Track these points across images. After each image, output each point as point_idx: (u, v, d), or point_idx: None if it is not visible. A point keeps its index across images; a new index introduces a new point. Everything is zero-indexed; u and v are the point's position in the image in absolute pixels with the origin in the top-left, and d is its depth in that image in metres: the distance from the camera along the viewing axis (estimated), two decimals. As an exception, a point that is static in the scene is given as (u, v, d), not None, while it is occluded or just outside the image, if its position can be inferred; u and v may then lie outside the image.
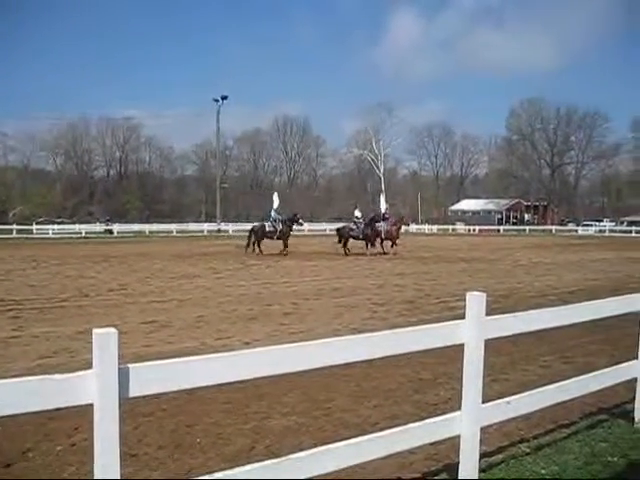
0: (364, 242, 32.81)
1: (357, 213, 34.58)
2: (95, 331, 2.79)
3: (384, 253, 32.30)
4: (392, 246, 32.85)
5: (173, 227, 71.06)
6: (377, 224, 33.00)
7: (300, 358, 3.61)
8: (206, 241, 49.36)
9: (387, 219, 33.69)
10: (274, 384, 6.78)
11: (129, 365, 2.94)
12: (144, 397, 3.12)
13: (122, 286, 16.96)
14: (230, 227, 74.66)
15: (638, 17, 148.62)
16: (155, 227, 72.57)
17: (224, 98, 78.00)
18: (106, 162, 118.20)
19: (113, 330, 2.80)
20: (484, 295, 4.37)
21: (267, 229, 32.70)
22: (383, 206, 34.76)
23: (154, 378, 3.01)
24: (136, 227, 71.64)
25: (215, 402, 6.45)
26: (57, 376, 2.76)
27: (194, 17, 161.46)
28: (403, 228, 35.76)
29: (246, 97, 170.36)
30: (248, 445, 5.45)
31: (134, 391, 2.94)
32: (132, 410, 5.84)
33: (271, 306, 13.38)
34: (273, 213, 33.53)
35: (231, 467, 4.83)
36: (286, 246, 31.94)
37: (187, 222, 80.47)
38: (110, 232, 66.66)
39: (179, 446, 5.42)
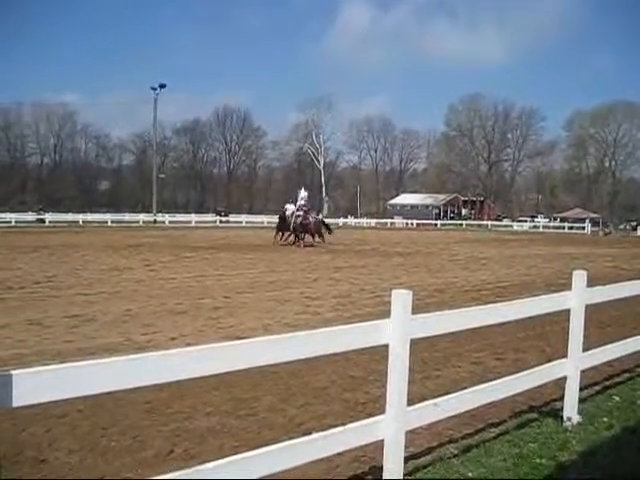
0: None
1: (287, 206, 34.30)
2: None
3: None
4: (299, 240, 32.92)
5: (108, 217, 69.57)
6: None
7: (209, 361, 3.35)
8: (141, 232, 48.38)
9: (306, 212, 33.47)
10: (199, 381, 6.50)
11: (11, 372, 2.64)
12: (29, 407, 2.82)
13: (49, 278, 16.34)
14: (167, 218, 73.70)
15: (581, 20, 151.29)
16: (90, 217, 70.88)
17: (162, 86, 76.66)
18: (40, 149, 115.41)
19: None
20: (410, 293, 4.18)
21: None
22: (300, 197, 34.05)
23: (41, 385, 2.71)
24: (70, 217, 69.79)
25: (135, 402, 6.11)
26: None
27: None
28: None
29: (187, 85, 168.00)
30: (166, 448, 5.16)
31: (18, 400, 2.64)
32: (44, 412, 5.50)
33: (202, 300, 13.04)
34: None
35: (147, 472, 4.62)
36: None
37: (123, 212, 78.99)
38: (42, 221, 64.78)
39: (92, 450, 5.10)
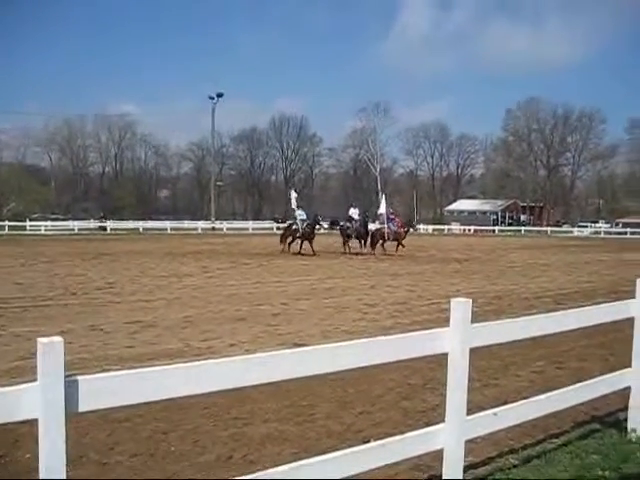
0: (358, 241, 32.37)
1: (352, 211, 33.41)
2: (39, 340, 2.56)
3: (386, 253, 31.61)
4: (397, 247, 32.19)
5: (167, 224, 70.58)
6: (381, 225, 32.57)
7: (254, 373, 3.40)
8: (200, 239, 49.04)
9: (392, 220, 33.13)
10: (257, 387, 6.54)
11: (78, 377, 2.71)
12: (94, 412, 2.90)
13: (110, 284, 16.72)
14: (225, 225, 74.54)
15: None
16: (149, 224, 72.13)
17: (219, 96, 77.55)
18: (101, 159, 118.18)
19: (58, 339, 2.57)
20: (470, 301, 4.14)
21: (294, 228, 32.21)
22: (383, 206, 33.63)
23: (105, 391, 2.77)
24: (130, 224, 71.28)
25: (195, 407, 6.19)
26: (-2, 389, 2.53)
27: (191, 9, 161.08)
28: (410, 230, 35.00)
29: (244, 93, 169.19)
30: (226, 454, 5.22)
31: (83, 405, 2.70)
32: (107, 416, 5.61)
33: (260, 306, 13.16)
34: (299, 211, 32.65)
35: (206, 477, 4.68)
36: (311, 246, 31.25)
37: (182, 220, 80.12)
38: (103, 229, 66.21)
39: (153, 455, 5.19)
